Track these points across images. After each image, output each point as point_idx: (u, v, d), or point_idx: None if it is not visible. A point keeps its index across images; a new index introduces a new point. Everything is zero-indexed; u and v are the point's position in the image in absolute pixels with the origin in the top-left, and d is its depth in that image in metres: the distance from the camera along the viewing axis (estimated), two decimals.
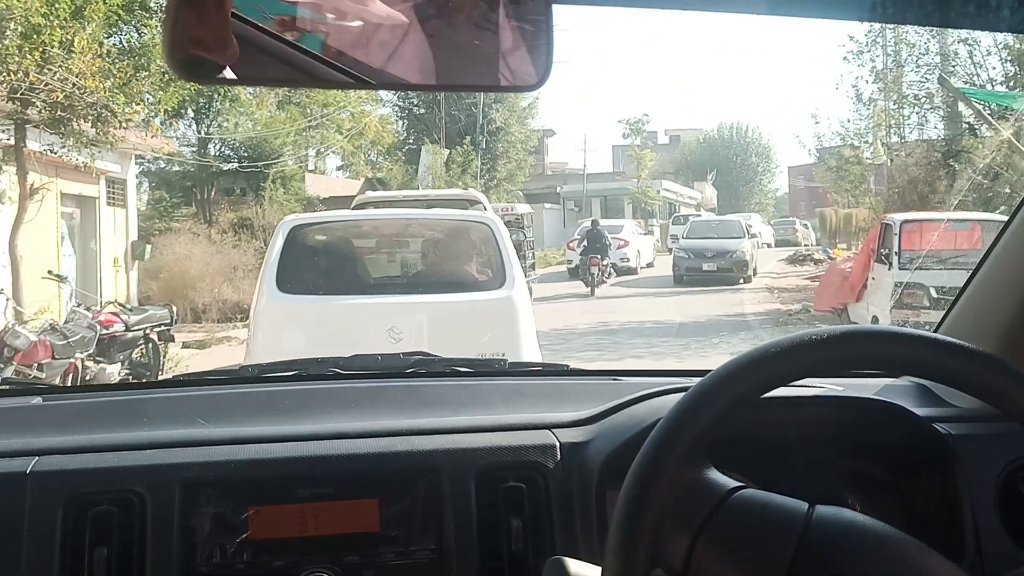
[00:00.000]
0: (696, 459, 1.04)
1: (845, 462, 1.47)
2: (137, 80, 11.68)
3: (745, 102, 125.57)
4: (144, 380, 8.69)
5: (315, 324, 6.09)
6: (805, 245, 37.09)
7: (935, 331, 1.73)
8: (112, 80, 11.17)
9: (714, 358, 11.09)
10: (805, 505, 0.98)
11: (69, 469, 1.43)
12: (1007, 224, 1.62)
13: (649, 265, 29.15)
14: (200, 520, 1.42)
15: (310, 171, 34.84)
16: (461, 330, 6.03)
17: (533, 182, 38.02)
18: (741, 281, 23.36)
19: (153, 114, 12.63)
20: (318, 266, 6.57)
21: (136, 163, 20.11)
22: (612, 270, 24.14)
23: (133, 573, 1.38)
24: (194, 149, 30.04)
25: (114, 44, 12.26)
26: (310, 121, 34.31)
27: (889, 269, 10.98)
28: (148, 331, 9.54)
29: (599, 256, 21.87)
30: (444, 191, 16.15)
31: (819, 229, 35.80)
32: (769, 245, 36.48)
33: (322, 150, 38.69)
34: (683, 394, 0.99)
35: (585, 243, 22.30)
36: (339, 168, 40.85)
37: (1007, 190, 14.79)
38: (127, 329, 9.15)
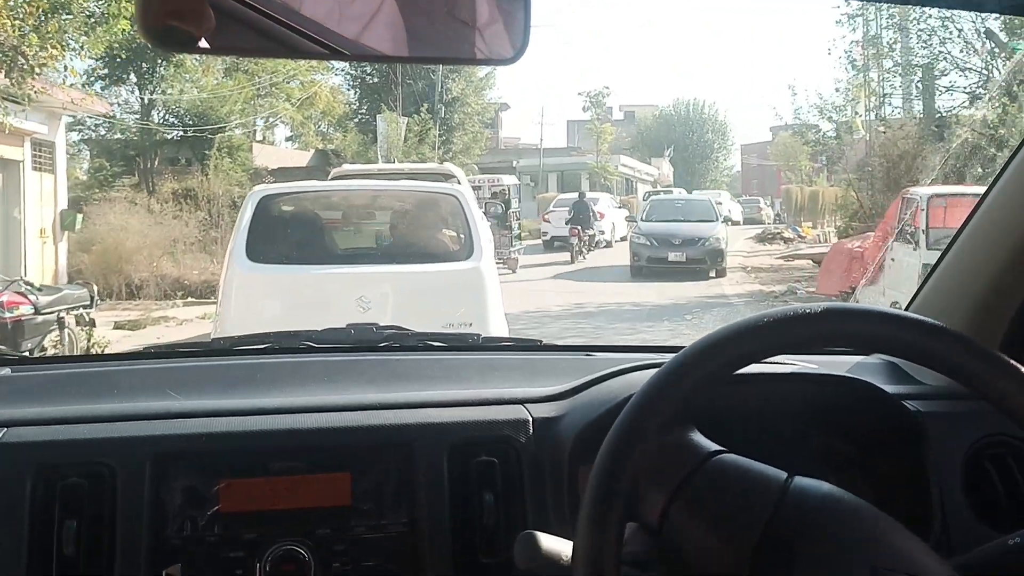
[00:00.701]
0: (679, 422, 1.07)
1: (818, 438, 1.46)
2: (54, 19, 9.94)
3: (701, 78, 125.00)
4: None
5: (284, 293, 6.10)
6: (769, 223, 36.35)
7: (906, 308, 1.72)
8: (22, 18, 9.47)
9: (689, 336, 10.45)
10: (784, 475, 1.00)
11: (38, 441, 1.40)
12: (980, 201, 1.61)
13: (623, 239, 27.16)
14: (171, 493, 1.39)
15: (258, 141, 33.68)
16: (429, 300, 6.07)
17: (488, 156, 36.88)
18: (713, 274, 19.07)
19: (76, 62, 10.97)
20: (287, 236, 6.53)
21: (76, 130, 18.47)
22: (593, 242, 24.46)
23: (103, 546, 1.36)
24: (137, 116, 28.48)
25: None
26: (258, 89, 32.81)
27: (915, 249, 9.83)
28: (63, 314, 8.07)
29: (580, 228, 22.93)
30: (420, 165, 16.19)
31: (784, 207, 34.93)
32: (737, 223, 35.59)
33: (271, 120, 37.23)
34: (659, 368, 1.01)
35: (571, 214, 23.19)
36: (288, 139, 39.65)
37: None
38: (36, 312, 7.81)
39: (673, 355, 1.02)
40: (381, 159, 24.07)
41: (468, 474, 1.47)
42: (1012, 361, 1.00)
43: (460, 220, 6.48)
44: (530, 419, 1.52)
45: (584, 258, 22.78)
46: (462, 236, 6.47)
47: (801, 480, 1.02)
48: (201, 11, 0.88)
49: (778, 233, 28.40)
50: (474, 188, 17.36)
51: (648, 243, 19.39)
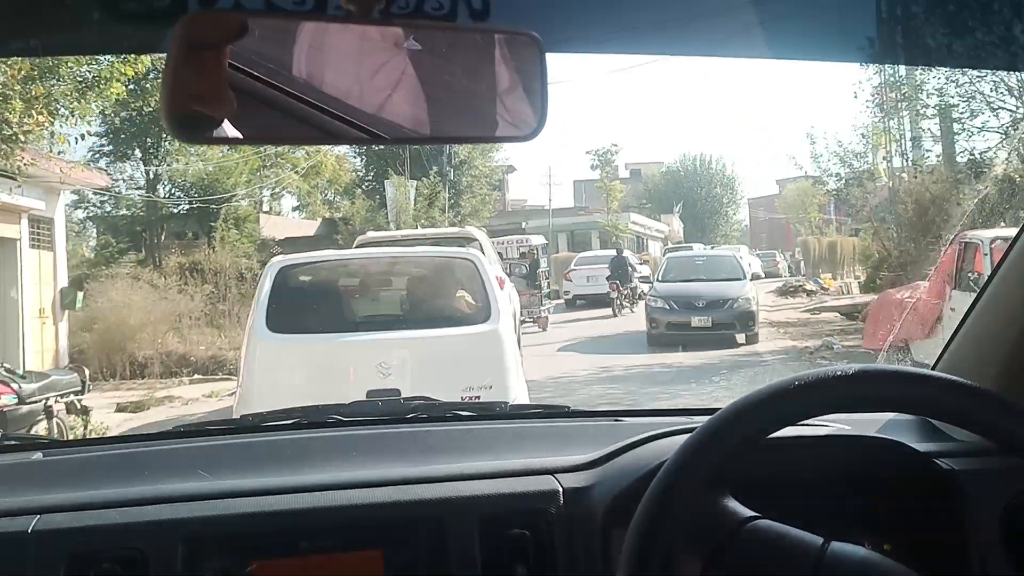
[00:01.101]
0: (713, 487, 1.06)
1: (854, 499, 1.45)
2: (40, 83, 9.23)
3: (706, 132, 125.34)
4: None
5: (305, 362, 6.16)
6: (786, 276, 35.53)
7: (933, 366, 1.73)
8: (4, 83, 8.78)
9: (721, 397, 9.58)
10: (820, 540, 1.00)
11: (71, 527, 1.41)
12: (1004, 256, 1.61)
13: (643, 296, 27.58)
14: (205, 575, 1.39)
15: (265, 212, 33.31)
16: (448, 364, 6.13)
17: (497, 218, 36.57)
18: (743, 340, 16.13)
19: (69, 130, 10.29)
20: (307, 305, 6.66)
21: (81, 207, 17.90)
22: (636, 295, 24.55)
23: None
24: (142, 191, 28.15)
25: None
26: (264, 160, 32.48)
27: None
28: (51, 402, 7.27)
29: (619, 283, 23.22)
30: (442, 229, 16.29)
31: (802, 258, 34.18)
32: (759, 277, 34.80)
33: (277, 190, 36.87)
34: (692, 433, 1.02)
35: (610, 270, 23.71)
36: (295, 209, 39.32)
37: None
38: (21, 401, 6.97)
39: (705, 418, 1.04)
40: (391, 224, 23.50)
41: (500, 547, 1.45)
42: None
43: (476, 283, 6.53)
44: (561, 490, 1.51)
45: (627, 311, 22.63)
46: (479, 299, 6.51)
47: (837, 545, 1.02)
48: (222, 93, 0.90)
49: (800, 286, 27.09)
50: (502, 249, 17.40)
51: (667, 307, 16.55)
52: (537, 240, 22.73)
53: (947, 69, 17.55)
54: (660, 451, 1.42)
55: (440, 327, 6.45)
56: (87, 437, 8.28)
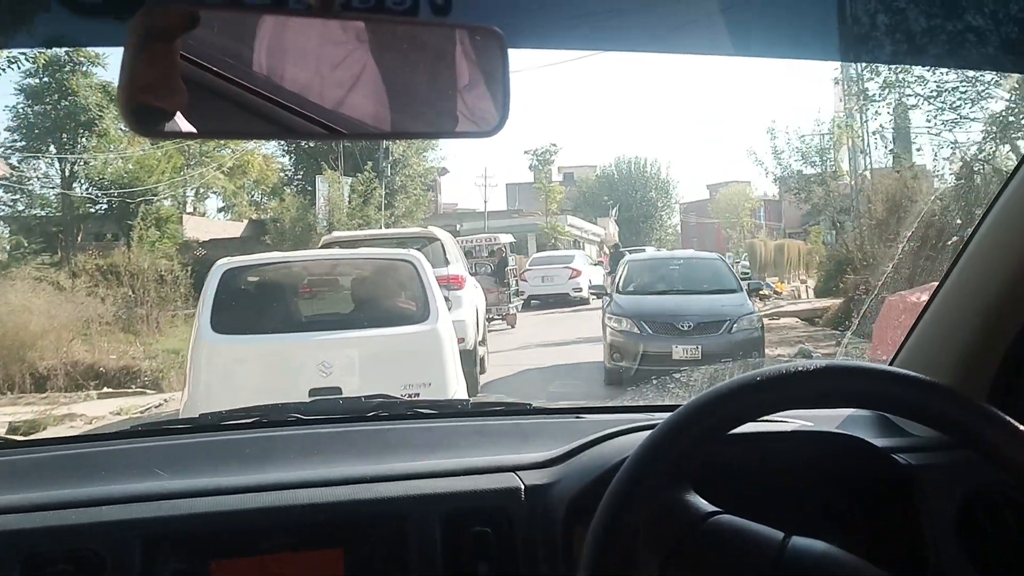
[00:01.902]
0: (674, 483, 1.09)
1: (814, 494, 1.47)
2: None
3: (641, 137, 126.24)
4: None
5: (249, 362, 6.35)
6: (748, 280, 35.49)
7: (890, 362, 1.74)
8: None
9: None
10: (780, 535, 1.01)
11: (25, 528, 1.39)
12: (960, 253, 1.63)
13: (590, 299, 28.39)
14: (163, 575, 1.39)
15: (188, 213, 32.24)
16: (388, 362, 6.41)
17: (430, 220, 35.93)
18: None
19: None
20: (250, 306, 6.83)
21: None
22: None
23: None
24: (57, 189, 27.06)
25: None
26: (188, 158, 31.47)
27: None
28: None
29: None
30: (404, 229, 16.75)
31: (750, 262, 34.15)
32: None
33: (202, 190, 35.81)
34: (653, 429, 1.04)
35: (611, 264, 25.01)
36: (221, 210, 38.22)
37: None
38: None
39: (666, 415, 1.05)
40: (322, 224, 22.69)
41: (462, 545, 1.46)
42: (1001, 413, 1.03)
43: (416, 284, 6.81)
44: (522, 487, 1.52)
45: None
46: (418, 300, 6.78)
47: (798, 540, 1.03)
48: (173, 84, 0.89)
49: (755, 291, 26.72)
50: (470, 247, 17.62)
51: (636, 330, 11.06)
52: (505, 239, 22.58)
53: (914, 67, 17.40)
54: (621, 448, 1.45)
55: (380, 327, 6.67)
56: (42, 438, 7.61)
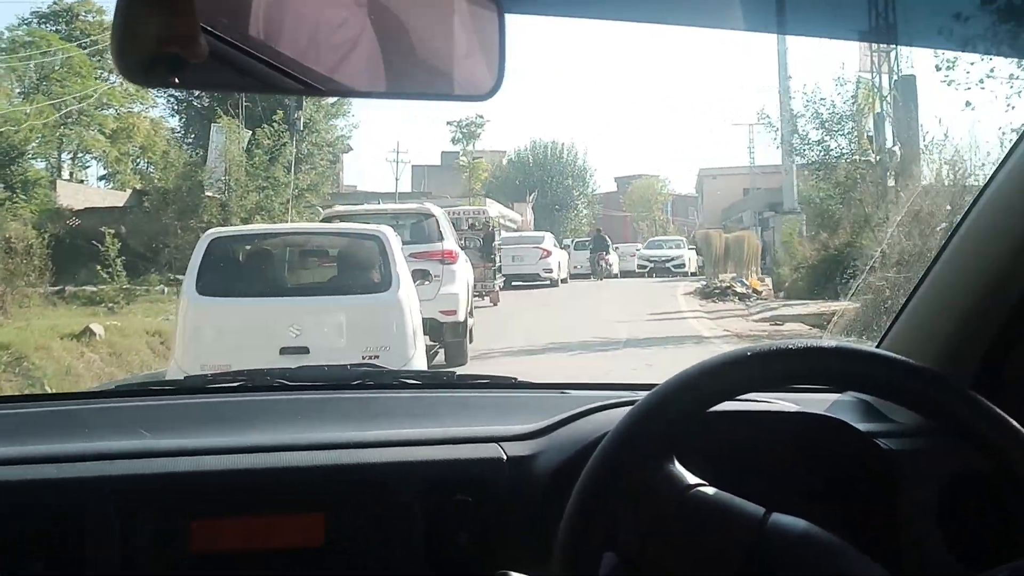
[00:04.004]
0: (658, 456, 1.11)
1: (796, 474, 1.51)
2: None
3: (553, 124, 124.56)
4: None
5: (227, 321, 7.31)
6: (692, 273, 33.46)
7: (877, 345, 1.79)
8: None
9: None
10: (762, 510, 1.04)
11: (5, 481, 1.42)
12: (949, 238, 1.66)
13: (563, 281, 29.32)
14: (140, 534, 1.43)
15: (64, 179, 28.98)
16: (352, 327, 7.43)
17: (334, 199, 33.20)
18: None
19: None
20: (232, 272, 7.89)
21: None
22: (608, 265, 32.56)
23: None
24: None
25: None
26: (64, 116, 28.13)
27: None
28: None
29: (603, 252, 31.87)
30: (403, 205, 17.23)
31: (704, 255, 32.20)
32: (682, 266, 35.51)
33: (80, 155, 32.46)
34: (638, 402, 1.08)
35: (592, 244, 32.20)
36: (102, 178, 34.91)
37: None
38: None
39: (648, 392, 1.08)
40: (214, 184, 19.26)
41: (443, 513, 1.50)
42: (985, 400, 1.06)
43: (381, 257, 7.74)
44: (504, 457, 1.55)
45: (603, 278, 30.62)
46: (382, 270, 7.70)
47: (778, 517, 1.06)
48: (195, 37, 0.90)
49: (728, 287, 22.97)
50: (453, 219, 17.64)
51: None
52: (493, 211, 23.36)
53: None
54: (605, 421, 1.47)
55: (347, 294, 7.74)
56: (23, 395, 7.77)
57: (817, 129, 20.85)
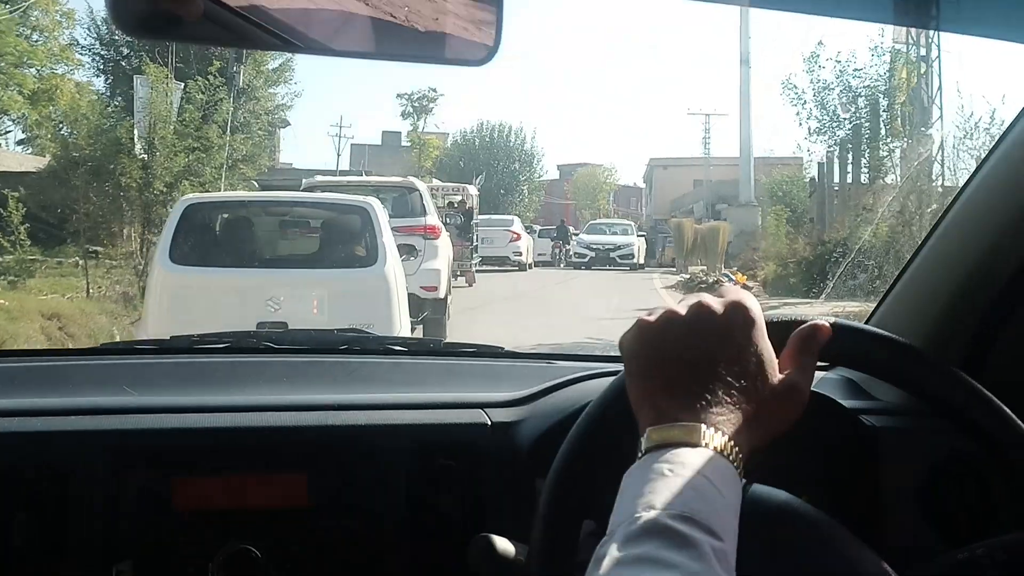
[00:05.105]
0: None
1: (776, 447, 1.34)
2: None
3: (499, 106, 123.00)
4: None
5: (201, 292, 7.10)
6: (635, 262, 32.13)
7: (867, 321, 1.80)
8: None
9: None
10: (742, 480, 1.00)
11: None
12: (940, 219, 1.69)
13: (530, 266, 29.63)
14: (125, 488, 1.46)
15: None
16: (335, 301, 7.18)
17: (270, 174, 31.72)
18: None
19: None
20: (207, 241, 7.73)
21: None
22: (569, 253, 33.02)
23: (55, 540, 1.42)
24: None
25: None
26: None
27: None
28: None
29: (562, 242, 33.13)
30: (385, 178, 16.44)
31: (676, 245, 30.86)
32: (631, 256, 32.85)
33: None
34: (621, 373, 1.07)
35: (556, 234, 33.45)
36: (21, 143, 33.04)
37: None
38: None
39: None
40: (138, 142, 17.04)
41: (426, 476, 1.52)
42: (970, 379, 1.07)
43: (368, 229, 7.52)
44: (489, 423, 1.58)
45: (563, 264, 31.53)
46: (368, 244, 7.53)
47: (758, 487, 1.08)
48: None
49: (716, 282, 21.06)
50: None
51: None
52: (473, 191, 22.80)
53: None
54: (591, 390, 1.48)
55: (330, 267, 7.67)
56: (8, 349, 7.89)
57: (849, 104, 19.45)
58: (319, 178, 13.88)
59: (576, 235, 35.27)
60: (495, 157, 54.30)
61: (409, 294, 8.52)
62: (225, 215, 8.03)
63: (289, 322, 6.58)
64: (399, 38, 1.01)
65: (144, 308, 7.50)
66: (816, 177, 23.95)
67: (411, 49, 1.04)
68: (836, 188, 20.37)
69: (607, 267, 30.30)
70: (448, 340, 5.75)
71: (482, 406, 1.60)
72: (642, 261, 33.08)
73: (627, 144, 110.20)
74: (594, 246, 32.10)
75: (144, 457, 1.45)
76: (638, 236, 34.67)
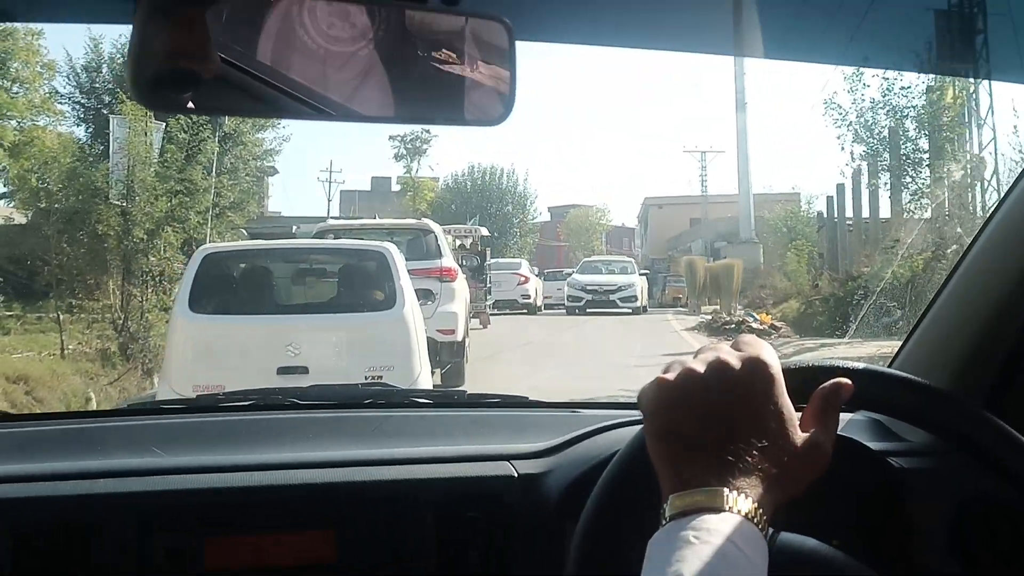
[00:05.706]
0: None
1: (806, 494, 1.31)
2: None
3: (490, 150, 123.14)
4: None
5: (221, 340, 7.24)
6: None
7: (889, 365, 1.80)
8: None
9: None
10: (769, 529, 0.99)
11: (19, 497, 1.44)
12: (961, 258, 1.69)
13: (539, 309, 29.18)
14: (154, 551, 1.45)
15: None
16: (354, 345, 7.42)
17: (259, 222, 31.12)
18: None
19: None
20: (227, 289, 7.84)
21: None
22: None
23: None
24: None
25: None
26: None
27: None
28: None
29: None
30: (400, 220, 16.70)
31: (688, 284, 29.78)
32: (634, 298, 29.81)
33: None
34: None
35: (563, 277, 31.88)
36: (2, 196, 32.39)
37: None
38: None
39: None
40: (114, 187, 15.90)
41: (454, 531, 1.53)
42: (998, 420, 1.06)
43: (385, 273, 7.64)
44: (516, 475, 1.58)
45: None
46: (386, 288, 7.60)
47: (786, 535, 1.07)
48: (207, 50, 0.91)
49: (740, 321, 20.29)
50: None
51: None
52: (485, 232, 22.99)
53: None
54: (617, 440, 1.47)
55: (348, 312, 7.66)
56: (35, 412, 8.46)
57: (896, 126, 18.37)
58: (331, 222, 14.20)
59: (569, 274, 31.68)
60: (488, 200, 54.10)
61: (427, 337, 8.52)
62: (242, 264, 8.20)
63: (309, 366, 6.77)
64: (418, 102, 1.05)
65: (165, 357, 7.63)
66: (824, 211, 23.20)
67: (429, 113, 1.13)
68: (850, 222, 19.65)
69: (607, 310, 26.89)
70: (469, 388, 6.01)
71: (508, 458, 1.61)
72: (645, 303, 29.68)
73: (618, 184, 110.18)
74: (591, 287, 28.24)
75: (174, 518, 1.47)
76: (640, 275, 31.07)
